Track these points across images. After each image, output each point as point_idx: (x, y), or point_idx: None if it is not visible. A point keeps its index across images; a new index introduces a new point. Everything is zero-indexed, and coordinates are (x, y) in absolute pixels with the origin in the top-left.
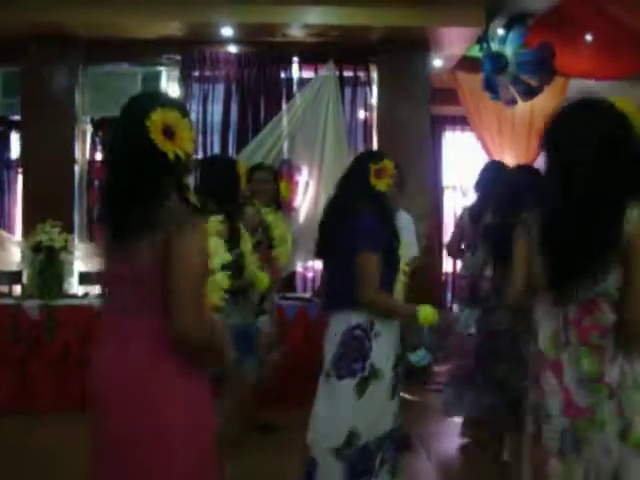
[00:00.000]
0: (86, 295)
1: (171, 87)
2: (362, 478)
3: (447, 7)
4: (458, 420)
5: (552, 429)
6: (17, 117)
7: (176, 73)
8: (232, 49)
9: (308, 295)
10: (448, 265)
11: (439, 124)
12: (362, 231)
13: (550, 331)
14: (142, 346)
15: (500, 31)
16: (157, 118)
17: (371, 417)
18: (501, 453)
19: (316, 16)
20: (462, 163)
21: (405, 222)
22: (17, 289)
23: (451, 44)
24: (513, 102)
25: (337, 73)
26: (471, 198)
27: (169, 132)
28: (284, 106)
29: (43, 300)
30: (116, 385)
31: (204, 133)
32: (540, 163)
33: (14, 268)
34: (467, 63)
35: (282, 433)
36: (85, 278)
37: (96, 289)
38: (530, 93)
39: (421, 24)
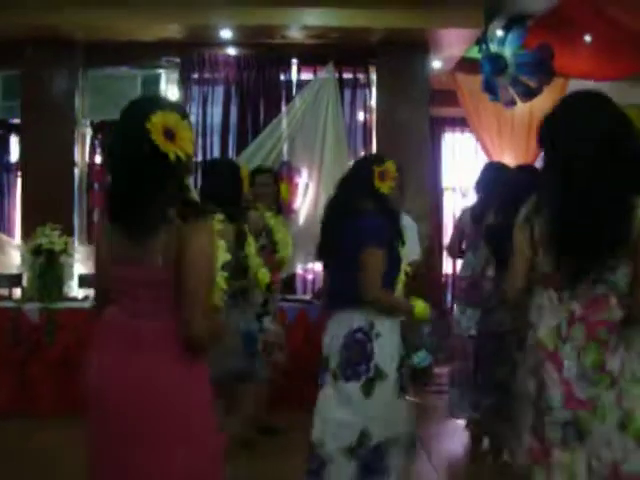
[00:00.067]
0: (86, 298)
1: (170, 90)
2: (374, 478)
3: (446, 9)
4: (458, 421)
5: (554, 421)
6: (17, 120)
7: (175, 76)
8: (231, 51)
9: (308, 297)
10: (448, 266)
11: (438, 125)
12: (367, 229)
13: (551, 326)
14: (158, 348)
15: (499, 32)
16: (157, 120)
17: (381, 417)
18: (501, 453)
19: (315, 18)
20: (461, 164)
21: (408, 224)
22: (17, 292)
23: (450, 45)
24: (512, 103)
25: (336, 75)
26: (471, 199)
27: (169, 134)
28: (284, 108)
29: (43, 303)
30: (132, 390)
31: (204, 135)
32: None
33: (14, 271)
34: (466, 64)
35: (283, 435)
36: (85, 281)
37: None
38: (529, 94)
39: (420, 26)
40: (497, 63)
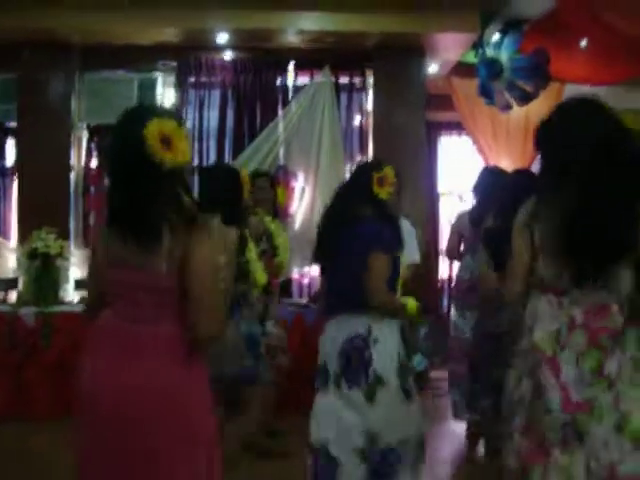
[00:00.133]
0: (82, 302)
1: (167, 93)
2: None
3: (442, 13)
4: (452, 423)
5: (553, 423)
6: (13, 124)
7: (172, 79)
8: (228, 55)
9: (304, 301)
10: (444, 271)
11: (434, 130)
12: (371, 234)
13: (550, 331)
14: (159, 354)
15: (495, 37)
16: (154, 128)
17: (387, 422)
18: (498, 455)
19: (312, 22)
20: (458, 168)
21: (407, 228)
22: (13, 296)
23: (446, 50)
24: (508, 107)
25: (333, 79)
26: (469, 202)
27: (166, 141)
28: (280, 112)
29: (39, 307)
30: (132, 395)
31: (200, 139)
32: (537, 168)
33: (10, 275)
34: (462, 69)
35: (282, 438)
36: (81, 285)
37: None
38: (525, 98)
39: (416, 30)
40: (493, 67)
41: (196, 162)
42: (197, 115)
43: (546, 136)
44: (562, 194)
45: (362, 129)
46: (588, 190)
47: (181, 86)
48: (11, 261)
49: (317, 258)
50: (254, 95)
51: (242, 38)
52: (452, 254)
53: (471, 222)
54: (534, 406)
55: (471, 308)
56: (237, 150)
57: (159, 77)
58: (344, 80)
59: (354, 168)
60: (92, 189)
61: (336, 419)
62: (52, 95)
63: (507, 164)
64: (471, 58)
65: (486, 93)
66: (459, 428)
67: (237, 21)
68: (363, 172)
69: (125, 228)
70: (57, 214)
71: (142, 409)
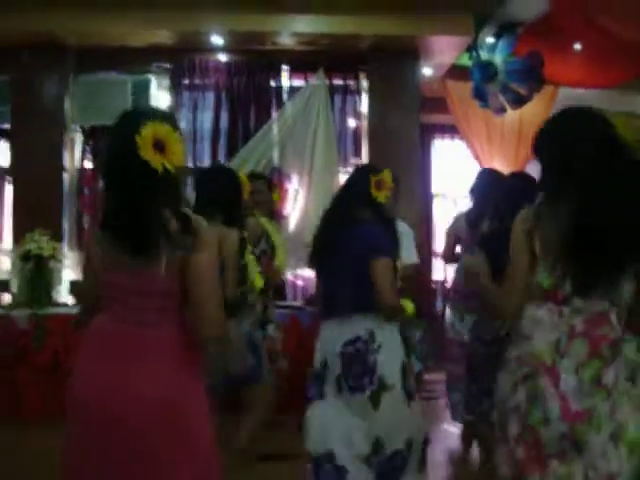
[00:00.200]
0: (75, 304)
1: (161, 95)
2: None
3: (436, 16)
4: (448, 424)
5: (552, 433)
6: (7, 125)
7: (166, 81)
8: (222, 57)
9: (299, 303)
10: (438, 273)
11: (429, 132)
12: (373, 238)
13: (550, 340)
14: (161, 357)
15: (489, 40)
16: (147, 133)
17: (392, 426)
18: (491, 458)
19: (306, 24)
20: (451, 171)
21: (404, 231)
22: (6, 298)
23: (441, 53)
24: (502, 110)
25: (327, 81)
26: (462, 205)
27: (159, 146)
28: (274, 114)
29: (32, 309)
30: (133, 398)
31: (194, 141)
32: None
33: (3, 277)
34: (457, 71)
35: (276, 440)
36: (75, 287)
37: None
38: (519, 101)
39: (411, 33)
40: (487, 70)
41: (190, 164)
42: (191, 117)
43: (546, 141)
44: (564, 199)
45: (356, 131)
46: (590, 192)
47: (175, 88)
48: (4, 263)
49: (314, 261)
50: (248, 97)
51: (236, 40)
52: (448, 257)
53: (468, 224)
54: (530, 415)
55: (470, 311)
56: (231, 152)
57: (153, 79)
58: (338, 82)
59: (352, 172)
60: (86, 191)
61: (338, 428)
62: (46, 97)
63: (501, 167)
64: (465, 61)
65: (480, 96)
66: (454, 430)
67: (231, 23)
68: (361, 175)
69: (121, 232)
70: (50, 216)
71: (141, 415)
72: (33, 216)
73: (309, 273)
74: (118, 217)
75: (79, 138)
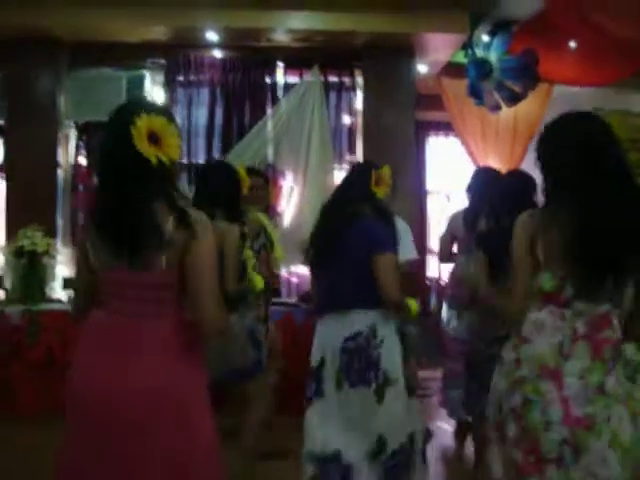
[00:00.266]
0: (69, 300)
1: (155, 91)
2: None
3: (432, 13)
4: (442, 422)
5: (552, 437)
6: (1, 122)
7: (161, 77)
8: (217, 53)
9: (293, 300)
10: (432, 270)
11: (423, 129)
12: (375, 233)
13: (553, 343)
14: (162, 348)
15: (485, 37)
16: (142, 124)
17: (396, 420)
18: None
19: (301, 21)
20: (446, 168)
21: (402, 226)
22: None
23: (436, 50)
24: (497, 108)
25: (322, 78)
26: (457, 202)
27: (154, 138)
28: (269, 111)
29: (26, 305)
30: (134, 391)
31: (189, 137)
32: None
33: None
34: (452, 69)
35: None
36: (68, 283)
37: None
38: (514, 99)
39: (406, 30)
40: (482, 68)
41: (185, 160)
42: (186, 113)
43: (539, 149)
44: (562, 203)
45: (351, 128)
46: (582, 197)
47: (169, 84)
48: None
49: (311, 256)
50: (243, 94)
51: (231, 37)
52: (444, 256)
53: (465, 224)
54: (527, 420)
55: (468, 309)
56: (225, 148)
57: (147, 75)
58: (333, 79)
59: (352, 167)
60: (80, 187)
61: (341, 427)
62: (40, 92)
63: (495, 164)
64: (461, 58)
65: (475, 93)
66: (447, 427)
67: (226, 20)
68: (362, 171)
69: (116, 226)
70: (44, 212)
71: (140, 407)
72: (27, 212)
73: (303, 270)
74: (110, 213)
75: (73, 134)
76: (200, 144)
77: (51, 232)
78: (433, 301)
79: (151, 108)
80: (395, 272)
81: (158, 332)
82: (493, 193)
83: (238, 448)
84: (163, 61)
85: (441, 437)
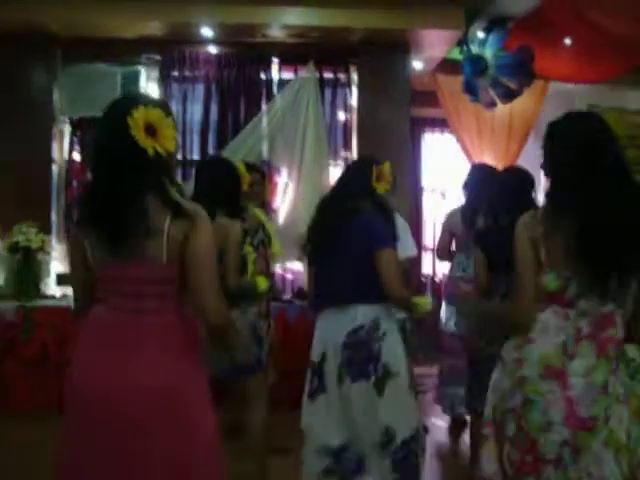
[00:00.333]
0: (64, 296)
1: (150, 87)
2: (409, 470)
3: (427, 9)
4: (436, 418)
5: (553, 438)
6: None
7: (155, 73)
8: (212, 49)
9: (288, 296)
10: (427, 267)
11: (419, 126)
12: (378, 230)
13: (557, 343)
14: (163, 343)
15: (480, 34)
16: (139, 115)
17: (400, 412)
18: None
19: (296, 17)
20: (441, 165)
21: (400, 223)
22: None
23: (431, 46)
24: (493, 104)
25: (317, 74)
26: (455, 199)
27: (151, 129)
28: (264, 107)
29: (20, 301)
30: (135, 391)
31: (183, 133)
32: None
33: None
34: (447, 65)
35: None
36: (62, 279)
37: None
38: (509, 96)
39: (401, 26)
40: (478, 64)
41: (180, 156)
42: (180, 109)
43: (543, 150)
44: (562, 202)
45: (346, 125)
46: (583, 197)
47: (164, 80)
48: None
49: (310, 250)
50: (238, 90)
51: (226, 32)
52: (443, 254)
53: (463, 221)
54: (527, 421)
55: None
56: (220, 145)
57: (142, 71)
58: (328, 75)
59: (352, 163)
60: (74, 183)
61: (347, 420)
62: (35, 88)
63: (491, 161)
64: (456, 55)
65: (471, 90)
66: (442, 424)
67: (221, 15)
68: (363, 166)
69: (111, 220)
70: (39, 208)
71: (140, 404)
72: (21, 208)
73: (298, 266)
74: (105, 207)
75: (67, 129)
76: (195, 140)
77: (45, 228)
78: (428, 298)
79: (148, 100)
80: (397, 267)
81: (158, 328)
82: (491, 190)
83: (246, 449)
84: (158, 57)
85: (435, 433)
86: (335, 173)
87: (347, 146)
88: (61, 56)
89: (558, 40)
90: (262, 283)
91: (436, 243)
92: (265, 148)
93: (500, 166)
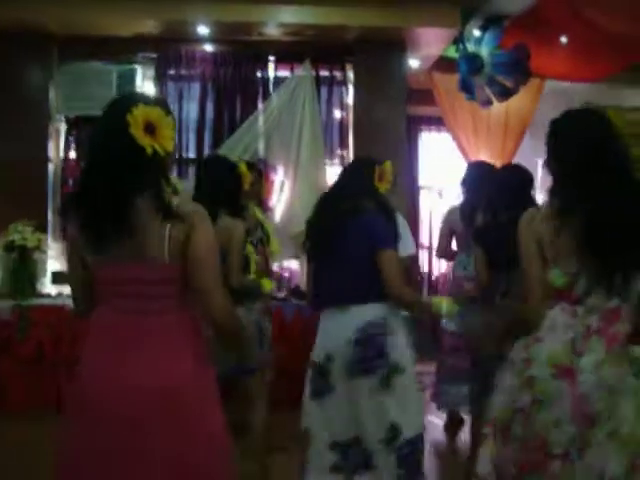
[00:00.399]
0: (59, 295)
1: (146, 85)
2: (414, 466)
3: (423, 8)
4: (432, 415)
5: (562, 434)
6: None
7: (151, 71)
8: (208, 47)
9: (283, 295)
10: (424, 265)
11: (415, 124)
12: (381, 230)
13: (565, 340)
14: (168, 343)
15: (476, 32)
16: (138, 113)
17: (407, 409)
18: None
19: (292, 15)
20: (438, 163)
21: (400, 221)
22: None
23: (427, 45)
24: (489, 103)
25: (313, 72)
26: (452, 197)
27: (150, 128)
28: (260, 105)
29: (16, 300)
30: (140, 392)
31: (179, 132)
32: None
33: None
34: (443, 64)
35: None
36: (58, 278)
37: (69, 290)
38: (505, 94)
39: (397, 24)
40: (474, 63)
41: (175, 155)
42: (176, 107)
43: (546, 147)
44: (564, 199)
45: (342, 123)
46: (588, 193)
47: (160, 78)
48: None
49: (310, 249)
50: (234, 88)
51: (222, 31)
52: (444, 253)
53: (463, 218)
54: (537, 420)
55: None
56: (216, 143)
57: (138, 69)
58: (324, 74)
59: (353, 162)
60: (70, 182)
61: (355, 416)
62: (31, 86)
63: (487, 159)
64: (452, 53)
65: (467, 88)
66: (438, 421)
67: (217, 13)
68: (365, 165)
69: (109, 220)
70: (34, 206)
71: (140, 405)
72: (17, 207)
73: (294, 265)
74: (104, 204)
75: (63, 128)
76: (191, 138)
77: (41, 227)
78: (425, 296)
79: (148, 99)
80: (398, 267)
81: (160, 328)
82: (489, 187)
83: (246, 449)
84: (154, 55)
85: (432, 431)
86: (331, 171)
87: (343, 144)
88: (57, 54)
89: (554, 38)
90: (267, 284)
91: (433, 241)
92: (261, 146)
93: (496, 164)
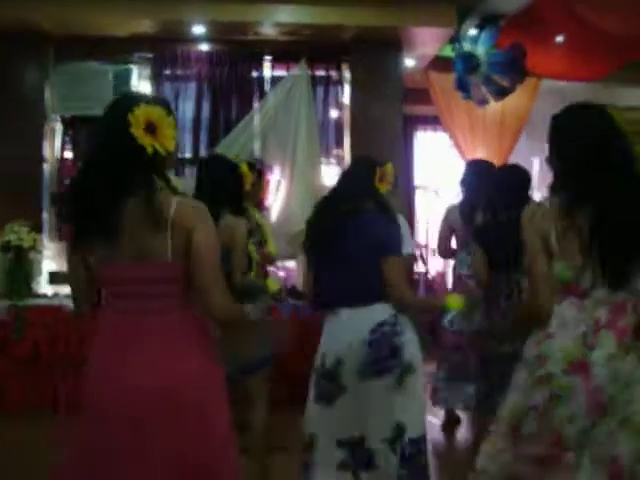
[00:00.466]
0: (56, 295)
1: (142, 85)
2: (417, 467)
3: (419, 7)
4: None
5: (576, 429)
6: None
7: (147, 71)
8: (204, 47)
9: (280, 295)
10: (419, 265)
11: (411, 124)
12: (384, 234)
13: (576, 335)
14: (171, 343)
15: (472, 31)
16: (140, 113)
17: (413, 410)
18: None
19: (288, 14)
20: (434, 163)
21: (401, 221)
22: None
23: (423, 44)
24: (485, 102)
25: (309, 72)
26: (450, 196)
27: (151, 127)
28: (256, 105)
29: (12, 300)
30: (146, 391)
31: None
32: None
33: None
34: (439, 63)
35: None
36: (55, 278)
37: (65, 290)
38: (502, 93)
39: (393, 24)
40: (470, 62)
41: (178, 154)
42: (173, 107)
43: (548, 143)
44: (566, 195)
45: (339, 122)
46: (584, 188)
47: (156, 78)
48: None
49: (311, 250)
50: (230, 88)
51: (218, 30)
52: (444, 252)
53: (462, 217)
54: (554, 416)
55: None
56: (212, 143)
57: (134, 69)
58: (320, 73)
59: (353, 162)
60: (66, 182)
61: (363, 415)
62: (27, 86)
63: (483, 158)
64: (448, 52)
65: (463, 87)
66: (435, 420)
67: (213, 13)
68: (366, 166)
69: (108, 219)
70: (30, 206)
71: (141, 406)
72: (13, 207)
73: (291, 264)
74: (104, 203)
75: (59, 128)
76: (187, 138)
77: (37, 227)
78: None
79: (149, 99)
80: (402, 270)
81: (161, 327)
82: (488, 186)
83: (247, 449)
84: (150, 55)
85: (430, 431)
86: (327, 171)
87: (339, 144)
88: (53, 54)
89: (550, 38)
90: (273, 285)
91: (430, 241)
92: (257, 146)
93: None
